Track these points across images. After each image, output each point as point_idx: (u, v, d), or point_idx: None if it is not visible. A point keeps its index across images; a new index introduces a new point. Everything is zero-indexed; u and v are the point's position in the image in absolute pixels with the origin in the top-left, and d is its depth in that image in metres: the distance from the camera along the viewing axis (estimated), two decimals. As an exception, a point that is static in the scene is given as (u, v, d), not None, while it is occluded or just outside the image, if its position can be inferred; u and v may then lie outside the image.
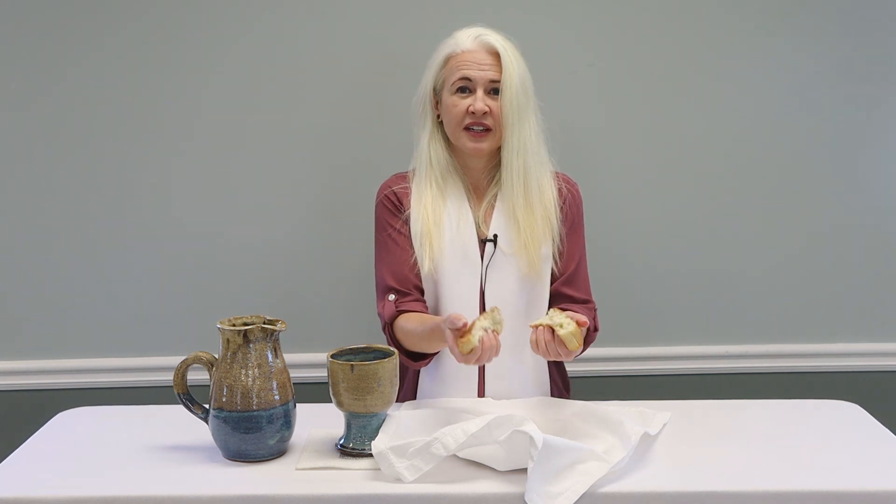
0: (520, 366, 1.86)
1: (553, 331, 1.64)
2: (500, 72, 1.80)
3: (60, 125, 2.27)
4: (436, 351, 1.82)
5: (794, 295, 2.40)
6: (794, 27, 2.30)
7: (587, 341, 1.84)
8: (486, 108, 1.80)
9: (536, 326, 1.66)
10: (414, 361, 1.83)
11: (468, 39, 1.83)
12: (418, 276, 1.86)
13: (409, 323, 1.80)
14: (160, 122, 2.28)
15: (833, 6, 2.29)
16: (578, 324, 1.63)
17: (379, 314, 1.88)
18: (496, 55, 1.81)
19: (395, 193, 1.90)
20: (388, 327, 1.85)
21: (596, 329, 1.88)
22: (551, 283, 1.88)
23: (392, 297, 1.85)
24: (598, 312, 1.92)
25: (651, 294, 2.39)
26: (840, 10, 2.29)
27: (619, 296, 2.35)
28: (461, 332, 1.60)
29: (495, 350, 1.61)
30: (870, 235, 2.39)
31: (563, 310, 1.67)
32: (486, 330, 1.62)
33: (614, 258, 2.34)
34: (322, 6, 2.25)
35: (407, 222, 1.87)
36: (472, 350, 1.60)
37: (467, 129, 1.82)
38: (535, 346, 1.65)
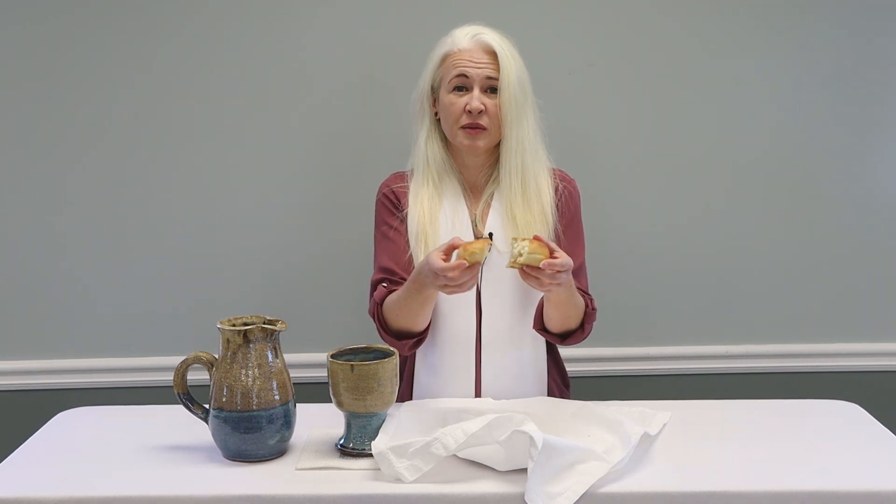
0: (518, 363, 1.86)
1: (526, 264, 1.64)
2: (497, 70, 1.80)
3: (59, 126, 2.27)
4: (420, 310, 1.77)
5: (794, 295, 2.40)
6: (795, 28, 2.30)
7: (588, 319, 1.84)
8: (483, 107, 1.80)
9: (520, 268, 1.65)
10: (399, 341, 1.81)
11: (465, 38, 1.83)
12: (411, 272, 1.85)
13: (393, 294, 1.80)
14: (159, 122, 2.28)
15: (835, 7, 2.29)
16: (536, 239, 1.65)
17: (369, 312, 1.87)
18: (493, 54, 1.81)
19: (393, 192, 1.90)
20: (378, 307, 1.84)
21: (594, 308, 1.87)
22: None
23: (384, 284, 1.85)
24: (597, 312, 1.90)
25: (651, 294, 2.39)
26: (842, 12, 2.29)
27: (619, 296, 2.35)
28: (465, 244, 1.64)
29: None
30: (870, 236, 2.39)
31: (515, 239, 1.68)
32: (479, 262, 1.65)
33: (614, 258, 2.34)
34: (321, 6, 2.25)
35: (404, 221, 1.88)
36: (475, 263, 1.63)
37: (464, 127, 1.82)
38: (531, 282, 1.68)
